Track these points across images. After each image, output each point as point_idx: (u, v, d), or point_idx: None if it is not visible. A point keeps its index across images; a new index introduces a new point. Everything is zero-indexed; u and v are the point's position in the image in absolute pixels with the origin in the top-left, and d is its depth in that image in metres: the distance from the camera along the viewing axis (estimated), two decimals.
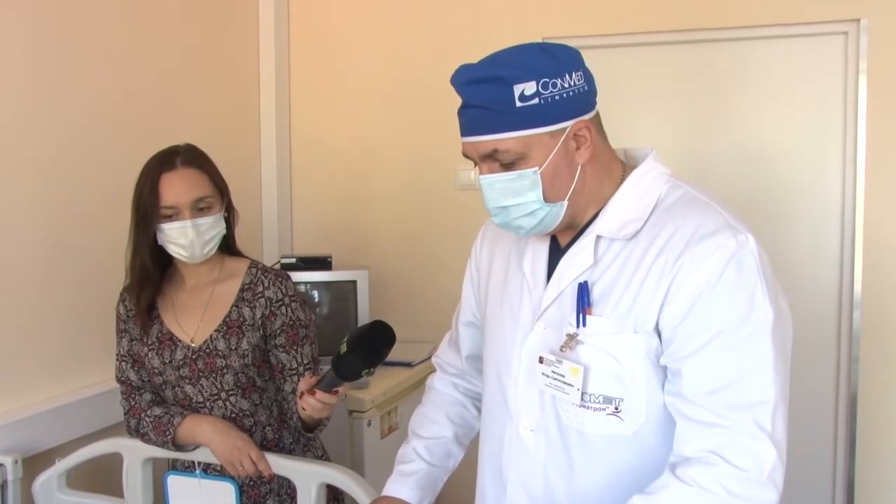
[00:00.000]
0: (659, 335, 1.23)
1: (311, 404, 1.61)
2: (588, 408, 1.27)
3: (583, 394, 1.27)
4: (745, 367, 1.18)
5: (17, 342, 2.15)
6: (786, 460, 1.19)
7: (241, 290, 1.93)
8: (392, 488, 1.55)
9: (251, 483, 1.93)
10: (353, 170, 3.36)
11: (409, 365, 2.95)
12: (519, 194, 1.27)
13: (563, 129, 1.25)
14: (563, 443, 1.31)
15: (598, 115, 1.32)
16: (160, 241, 1.87)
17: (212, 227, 1.87)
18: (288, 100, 3.36)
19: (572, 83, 1.24)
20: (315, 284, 2.94)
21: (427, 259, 3.27)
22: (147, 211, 1.84)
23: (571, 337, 1.28)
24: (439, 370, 1.69)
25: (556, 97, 1.23)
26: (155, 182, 1.83)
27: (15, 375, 2.14)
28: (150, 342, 1.94)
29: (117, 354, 1.99)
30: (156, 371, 1.94)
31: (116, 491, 2.03)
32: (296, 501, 1.87)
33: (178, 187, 1.83)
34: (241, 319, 1.91)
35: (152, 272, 1.91)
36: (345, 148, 3.36)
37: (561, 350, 1.29)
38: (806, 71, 2.85)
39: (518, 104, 1.21)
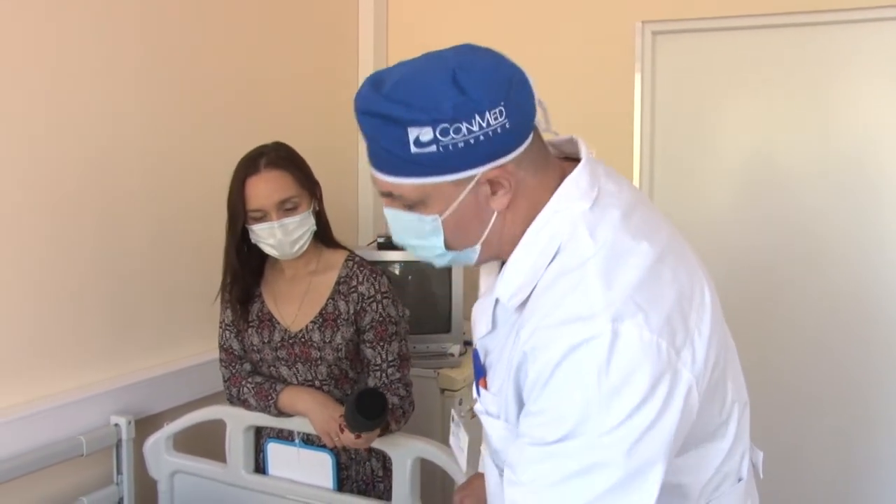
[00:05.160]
0: None
1: (343, 438, 1.84)
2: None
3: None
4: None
5: (132, 314, 2.27)
6: None
7: (338, 283, 1.96)
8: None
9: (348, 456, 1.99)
10: None
11: None
12: (421, 237, 1.11)
13: (471, 178, 1.04)
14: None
15: (533, 143, 1.08)
16: (253, 240, 1.92)
17: (299, 225, 1.89)
18: None
19: (483, 125, 1.00)
20: (408, 264, 2.98)
21: None
22: (235, 213, 1.89)
23: (472, 406, 1.20)
24: None
25: (460, 144, 1.00)
26: (241, 186, 1.88)
27: (130, 343, 2.26)
28: (250, 319, 2.01)
29: (221, 322, 2.06)
30: (254, 348, 2.00)
31: (213, 455, 2.12)
32: (390, 474, 1.94)
33: (262, 190, 1.86)
34: (337, 313, 1.94)
35: (239, 272, 1.97)
36: None
37: (466, 413, 1.25)
38: None
39: (413, 150, 1.01)
